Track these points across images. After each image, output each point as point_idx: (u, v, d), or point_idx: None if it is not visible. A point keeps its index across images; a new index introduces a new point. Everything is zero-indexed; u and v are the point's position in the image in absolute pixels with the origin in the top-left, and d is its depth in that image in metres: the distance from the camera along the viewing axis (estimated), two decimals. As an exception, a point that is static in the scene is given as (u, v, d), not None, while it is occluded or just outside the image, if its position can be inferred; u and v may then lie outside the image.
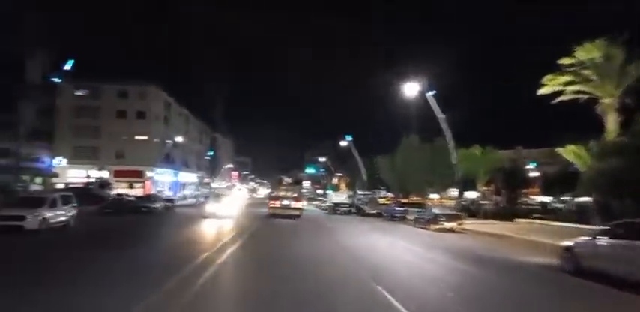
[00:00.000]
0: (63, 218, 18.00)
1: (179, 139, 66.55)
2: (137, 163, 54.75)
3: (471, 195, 53.43)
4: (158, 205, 30.93)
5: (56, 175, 38.81)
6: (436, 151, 37.82)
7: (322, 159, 66.90)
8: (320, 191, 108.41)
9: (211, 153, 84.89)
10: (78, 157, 54.77)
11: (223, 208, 27.18)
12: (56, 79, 40.06)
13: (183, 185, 77.01)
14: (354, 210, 39.47)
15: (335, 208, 37.76)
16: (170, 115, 64.58)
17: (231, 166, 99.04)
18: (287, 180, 35.17)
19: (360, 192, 55.89)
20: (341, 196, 42.16)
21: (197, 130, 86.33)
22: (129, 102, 56.28)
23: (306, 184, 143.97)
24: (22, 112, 30.88)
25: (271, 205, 29.81)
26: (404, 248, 16.04)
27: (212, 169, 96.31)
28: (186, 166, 75.53)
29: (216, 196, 32.16)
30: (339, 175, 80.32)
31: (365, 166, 52.53)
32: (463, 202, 32.10)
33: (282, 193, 30.37)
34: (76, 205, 19.67)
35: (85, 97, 55.66)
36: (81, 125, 54.65)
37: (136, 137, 55.24)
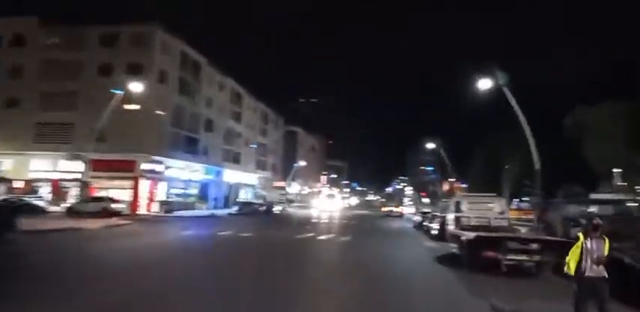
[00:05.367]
0: None
1: (210, 114, 45.72)
2: (127, 149, 34.06)
3: None
4: None
5: None
6: None
7: (431, 145, 40.43)
8: (426, 200, 79.15)
9: (255, 146, 61.62)
10: (41, 139, 35.87)
11: None
12: None
13: (232, 187, 55.47)
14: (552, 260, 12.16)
15: (474, 251, 11.52)
16: (197, 81, 43.36)
17: (304, 163, 76.31)
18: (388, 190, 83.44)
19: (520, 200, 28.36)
20: (489, 207, 16.03)
21: (259, 117, 65.14)
22: (117, 51, 35.96)
23: (408, 190, 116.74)
24: None
25: (383, 209, 55.54)
26: None
27: (286, 169, 74.91)
28: (234, 161, 54.07)
29: None
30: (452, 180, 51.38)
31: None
32: None
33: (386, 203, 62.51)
34: None
35: (56, 48, 36.67)
36: (49, 90, 35.69)
37: (125, 106, 33.93)
